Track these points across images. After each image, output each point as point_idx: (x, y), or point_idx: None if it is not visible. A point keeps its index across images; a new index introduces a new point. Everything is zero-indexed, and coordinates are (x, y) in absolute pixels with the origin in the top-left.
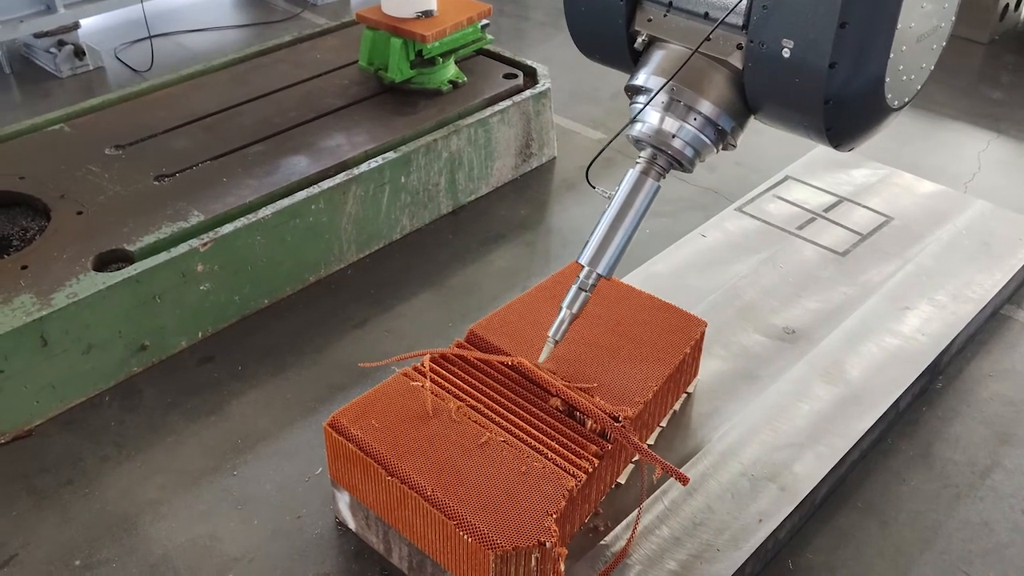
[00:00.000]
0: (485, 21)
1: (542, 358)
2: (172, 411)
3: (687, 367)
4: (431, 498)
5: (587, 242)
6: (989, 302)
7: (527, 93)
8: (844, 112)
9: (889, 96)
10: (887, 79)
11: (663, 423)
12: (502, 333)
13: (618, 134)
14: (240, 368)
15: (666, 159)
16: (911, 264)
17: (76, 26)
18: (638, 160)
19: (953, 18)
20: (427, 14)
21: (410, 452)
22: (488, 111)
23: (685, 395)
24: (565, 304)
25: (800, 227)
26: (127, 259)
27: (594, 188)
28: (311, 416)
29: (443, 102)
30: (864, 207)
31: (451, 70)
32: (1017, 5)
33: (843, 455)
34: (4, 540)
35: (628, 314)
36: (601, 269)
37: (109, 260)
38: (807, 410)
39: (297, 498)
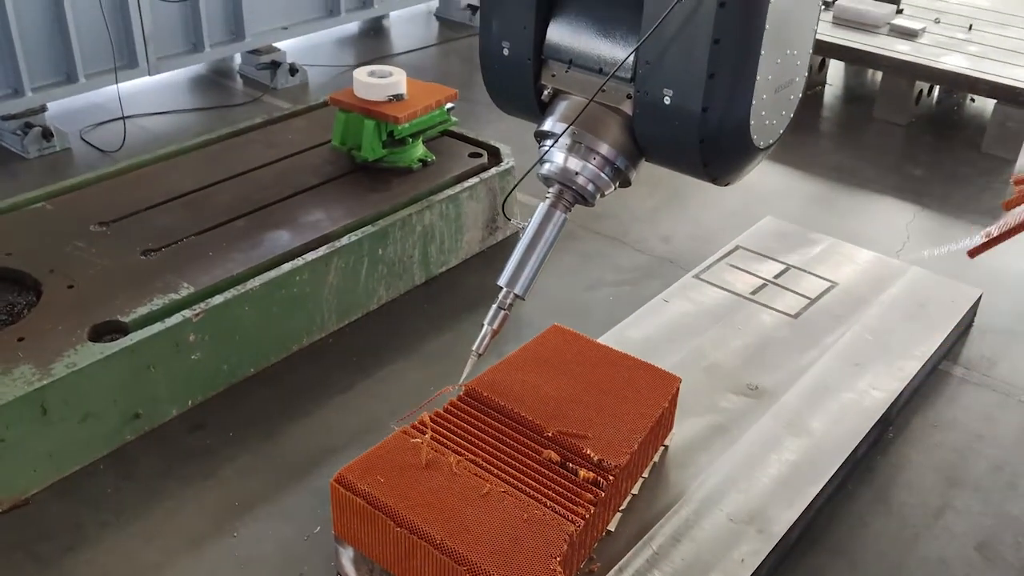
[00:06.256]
0: (451, 104)
1: (465, 372)
2: (168, 477)
3: (665, 420)
4: (441, 546)
5: (505, 266)
6: (929, 358)
7: (493, 171)
8: (717, 150)
9: (755, 137)
10: (752, 122)
11: (645, 474)
12: (496, 391)
13: (526, 174)
14: (231, 434)
15: (571, 194)
16: (858, 325)
17: (43, 109)
18: (547, 195)
19: (805, 73)
20: (398, 98)
21: (417, 504)
22: (458, 187)
23: (663, 448)
24: (487, 321)
25: (754, 292)
26: (121, 330)
27: (509, 220)
28: (305, 478)
29: (414, 179)
30: (810, 273)
31: (420, 149)
32: (930, 91)
33: (811, 499)
34: None
35: (608, 373)
36: (518, 289)
37: (104, 331)
38: (775, 459)
39: (299, 556)
